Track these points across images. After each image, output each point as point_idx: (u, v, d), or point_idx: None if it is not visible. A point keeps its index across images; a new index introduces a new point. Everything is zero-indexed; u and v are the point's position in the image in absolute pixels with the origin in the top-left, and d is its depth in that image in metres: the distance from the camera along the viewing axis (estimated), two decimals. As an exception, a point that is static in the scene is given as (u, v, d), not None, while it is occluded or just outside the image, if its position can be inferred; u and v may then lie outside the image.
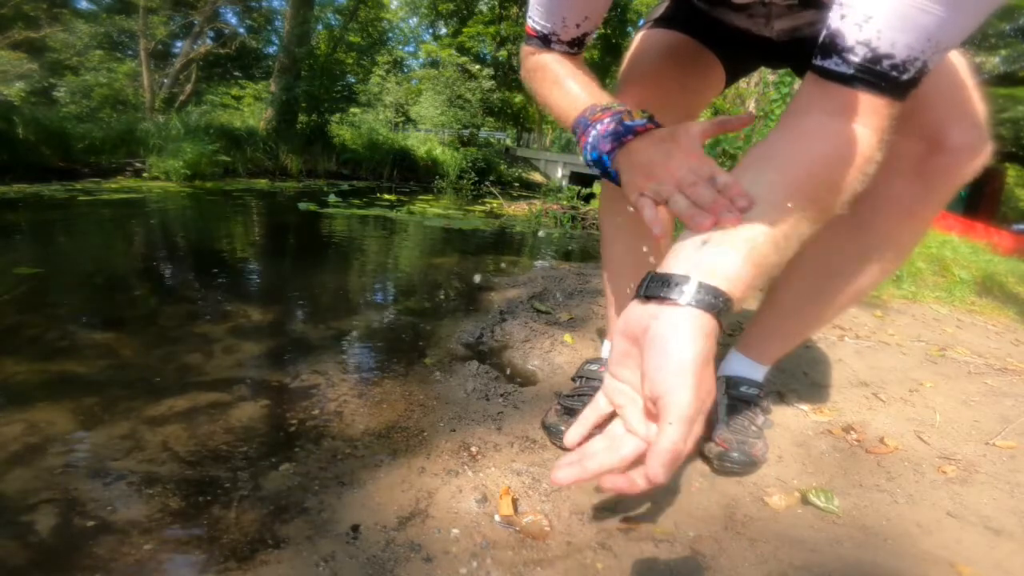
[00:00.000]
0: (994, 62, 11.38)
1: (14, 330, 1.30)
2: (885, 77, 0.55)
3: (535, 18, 0.77)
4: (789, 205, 0.53)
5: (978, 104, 0.75)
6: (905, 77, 0.55)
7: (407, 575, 0.63)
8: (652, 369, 0.44)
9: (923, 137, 0.74)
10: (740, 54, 0.95)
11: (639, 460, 0.44)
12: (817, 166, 0.57)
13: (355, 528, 0.70)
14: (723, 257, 0.49)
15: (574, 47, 0.80)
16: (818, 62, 0.58)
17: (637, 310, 0.48)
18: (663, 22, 0.96)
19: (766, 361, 0.98)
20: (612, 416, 0.51)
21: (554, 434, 0.92)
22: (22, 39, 11.93)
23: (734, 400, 0.94)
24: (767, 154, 0.59)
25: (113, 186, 4.45)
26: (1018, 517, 0.82)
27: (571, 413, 0.93)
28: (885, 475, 0.91)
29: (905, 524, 0.78)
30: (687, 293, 0.46)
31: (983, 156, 0.74)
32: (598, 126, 0.67)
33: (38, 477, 0.76)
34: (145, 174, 5.31)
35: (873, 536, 0.75)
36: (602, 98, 0.72)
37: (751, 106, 3.12)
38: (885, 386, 1.29)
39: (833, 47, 0.57)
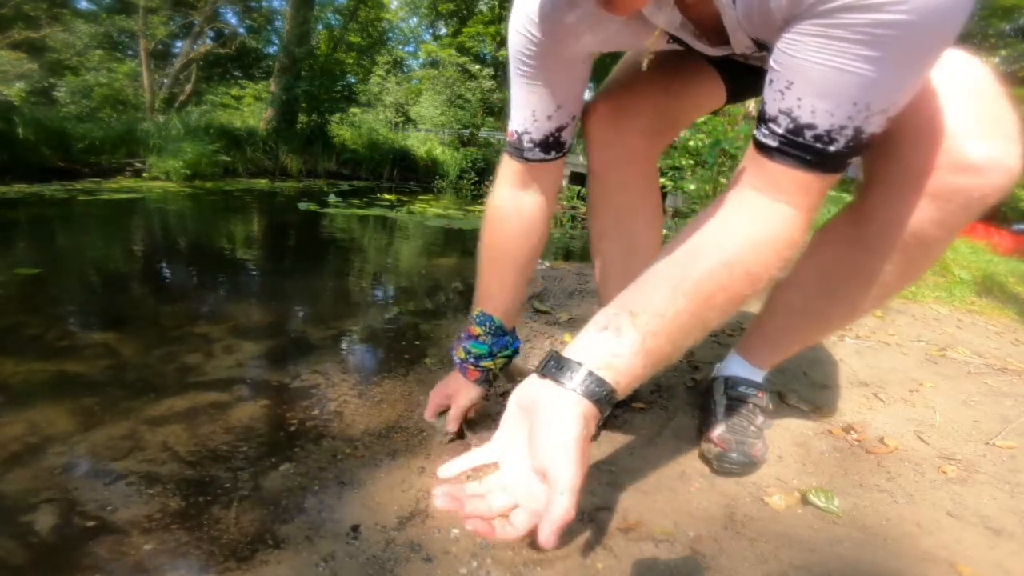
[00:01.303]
0: (994, 62, 11.39)
1: (14, 330, 1.30)
2: (810, 149, 0.52)
3: (511, 120, 0.76)
4: (694, 298, 0.54)
5: (1007, 115, 0.65)
6: (833, 148, 0.51)
7: (407, 575, 0.63)
8: (539, 444, 0.49)
9: (940, 154, 0.64)
10: (739, 74, 0.90)
11: (504, 515, 0.51)
12: (730, 254, 0.55)
13: (355, 528, 0.70)
14: (617, 349, 0.52)
15: (549, 151, 0.77)
16: (754, 131, 0.56)
17: (534, 383, 0.54)
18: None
19: (764, 366, 0.97)
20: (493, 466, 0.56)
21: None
22: (22, 39, 11.93)
23: (732, 400, 0.93)
24: (685, 236, 0.58)
25: (113, 186, 4.45)
26: (1018, 517, 0.82)
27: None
28: (885, 475, 0.91)
29: (905, 524, 0.78)
30: (575, 380, 0.51)
31: (1012, 172, 0.63)
32: (456, 342, 0.91)
33: (38, 477, 0.76)
34: (145, 174, 5.31)
35: (873, 536, 0.75)
36: (480, 305, 0.88)
37: (751, 106, 3.12)
38: (885, 386, 1.29)
39: (762, 115, 0.54)
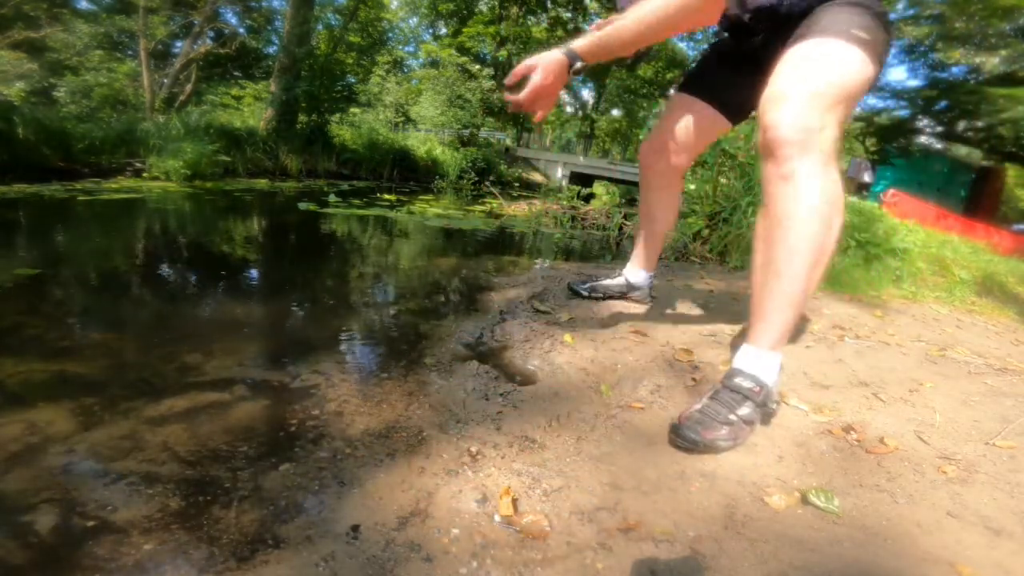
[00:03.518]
0: (994, 62, 11.37)
1: (14, 330, 1.30)
2: None
3: None
4: (639, 24, 1.05)
5: (808, 103, 0.90)
6: None
7: (407, 575, 0.63)
8: (534, 67, 1.11)
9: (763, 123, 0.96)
10: (731, 100, 1.37)
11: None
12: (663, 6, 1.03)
13: (355, 528, 0.70)
14: (585, 39, 1.12)
15: None
16: None
17: (552, 52, 1.12)
18: (685, 87, 1.43)
19: (760, 344, 0.99)
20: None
21: (573, 291, 1.73)
22: (22, 39, 11.92)
23: (723, 388, 0.98)
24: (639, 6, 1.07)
25: (113, 186, 4.44)
26: (1018, 517, 0.82)
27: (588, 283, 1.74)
28: (885, 475, 0.91)
29: (905, 524, 0.78)
30: (563, 49, 1.12)
31: (784, 155, 0.90)
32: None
33: (38, 477, 0.76)
34: (145, 174, 5.30)
35: (873, 536, 0.75)
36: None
37: (751, 106, 3.13)
38: (885, 386, 1.29)
39: None
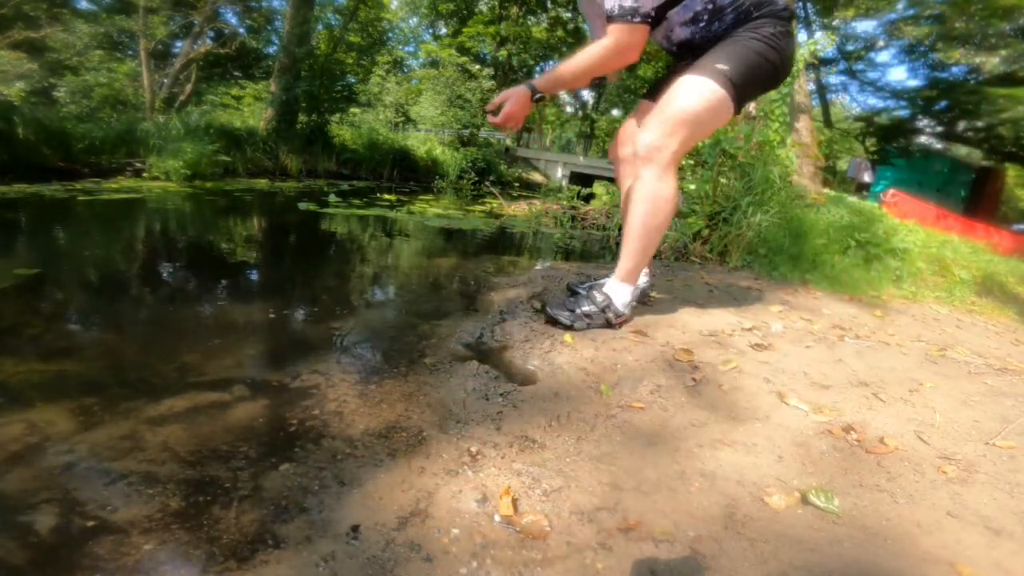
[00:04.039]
0: (994, 62, 11.37)
1: (14, 330, 1.30)
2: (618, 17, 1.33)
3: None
4: (578, 66, 1.39)
5: (656, 128, 1.37)
6: (609, 13, 1.33)
7: (407, 575, 0.63)
8: (507, 98, 1.46)
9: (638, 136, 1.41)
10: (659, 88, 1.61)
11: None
12: (588, 54, 1.38)
13: (355, 528, 0.70)
14: (541, 77, 1.46)
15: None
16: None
17: (519, 87, 1.46)
18: (647, 94, 1.68)
19: (616, 275, 1.47)
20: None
21: (573, 291, 1.75)
22: (22, 39, 11.91)
23: (585, 293, 1.51)
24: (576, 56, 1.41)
25: (113, 186, 4.44)
26: (1018, 517, 0.82)
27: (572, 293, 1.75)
28: (885, 475, 0.91)
29: (905, 524, 0.78)
30: (526, 83, 1.45)
31: (638, 163, 1.40)
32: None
33: (38, 477, 0.76)
34: (145, 174, 5.30)
35: (873, 536, 0.75)
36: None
37: (751, 106, 3.12)
38: (885, 386, 1.29)
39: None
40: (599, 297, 1.45)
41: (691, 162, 3.12)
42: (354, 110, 10.73)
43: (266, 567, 0.63)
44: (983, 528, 0.79)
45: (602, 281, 1.52)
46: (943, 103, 12.15)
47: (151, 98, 10.42)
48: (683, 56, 1.54)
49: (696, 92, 1.36)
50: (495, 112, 1.47)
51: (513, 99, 1.45)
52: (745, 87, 1.39)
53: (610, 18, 1.33)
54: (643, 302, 1.73)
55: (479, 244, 3.26)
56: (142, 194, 4.17)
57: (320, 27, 9.18)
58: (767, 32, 1.39)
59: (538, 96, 1.46)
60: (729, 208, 2.74)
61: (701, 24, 1.42)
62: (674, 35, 1.49)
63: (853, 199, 5.28)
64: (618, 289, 1.46)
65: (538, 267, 2.53)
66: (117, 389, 1.03)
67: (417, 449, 0.89)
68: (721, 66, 1.36)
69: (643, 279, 1.72)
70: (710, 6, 1.41)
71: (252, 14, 14.06)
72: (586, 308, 1.44)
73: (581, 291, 1.74)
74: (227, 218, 3.68)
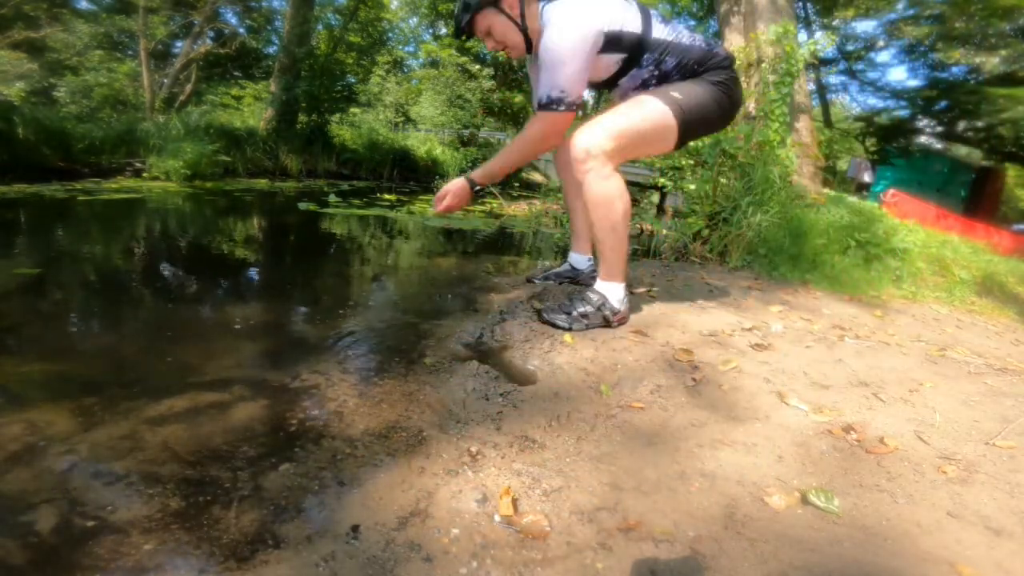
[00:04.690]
0: (994, 62, 11.36)
1: (14, 330, 1.30)
2: (538, 104, 1.45)
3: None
4: (508, 158, 1.57)
5: (595, 130, 1.40)
6: (543, 102, 1.43)
7: (407, 575, 0.63)
8: (448, 192, 1.58)
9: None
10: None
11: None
12: (521, 140, 1.53)
13: (355, 528, 0.70)
14: (479, 169, 1.58)
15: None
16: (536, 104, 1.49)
17: (459, 179, 1.59)
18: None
19: (602, 276, 1.50)
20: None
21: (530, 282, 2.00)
22: (22, 39, 11.90)
23: (579, 296, 1.54)
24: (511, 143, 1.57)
25: (113, 186, 4.44)
26: (1018, 517, 0.82)
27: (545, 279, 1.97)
28: (885, 475, 0.91)
29: (905, 524, 0.78)
30: (465, 176, 1.58)
31: (578, 165, 1.41)
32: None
33: (38, 477, 0.76)
34: (145, 174, 5.30)
35: (873, 536, 0.75)
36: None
37: (751, 106, 3.12)
38: (885, 386, 1.29)
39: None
40: (594, 297, 1.48)
41: (691, 162, 3.12)
42: (354, 110, 10.72)
43: (266, 567, 0.63)
44: (983, 528, 0.79)
45: (594, 285, 1.54)
46: (943, 103, 12.14)
47: (151, 98, 10.41)
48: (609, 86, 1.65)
49: (645, 107, 1.43)
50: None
51: (453, 193, 1.57)
52: (691, 123, 1.47)
53: (539, 105, 1.43)
54: (588, 282, 1.79)
55: (479, 244, 3.26)
56: (142, 194, 4.17)
57: (320, 27, 9.17)
58: (718, 79, 1.50)
59: (477, 188, 1.58)
60: (729, 208, 2.74)
61: (651, 88, 1.52)
62: (628, 97, 1.57)
63: (853, 199, 5.28)
64: (609, 288, 1.49)
65: (538, 267, 2.53)
66: (117, 389, 1.03)
67: (417, 449, 0.89)
68: (676, 95, 1.45)
69: (586, 261, 1.93)
70: (656, 72, 1.51)
71: (252, 14, 14.04)
72: (582, 309, 1.47)
73: (551, 281, 1.93)
74: (227, 218, 3.68)
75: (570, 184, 1.79)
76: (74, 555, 0.63)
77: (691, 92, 1.47)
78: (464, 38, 1.54)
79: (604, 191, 1.40)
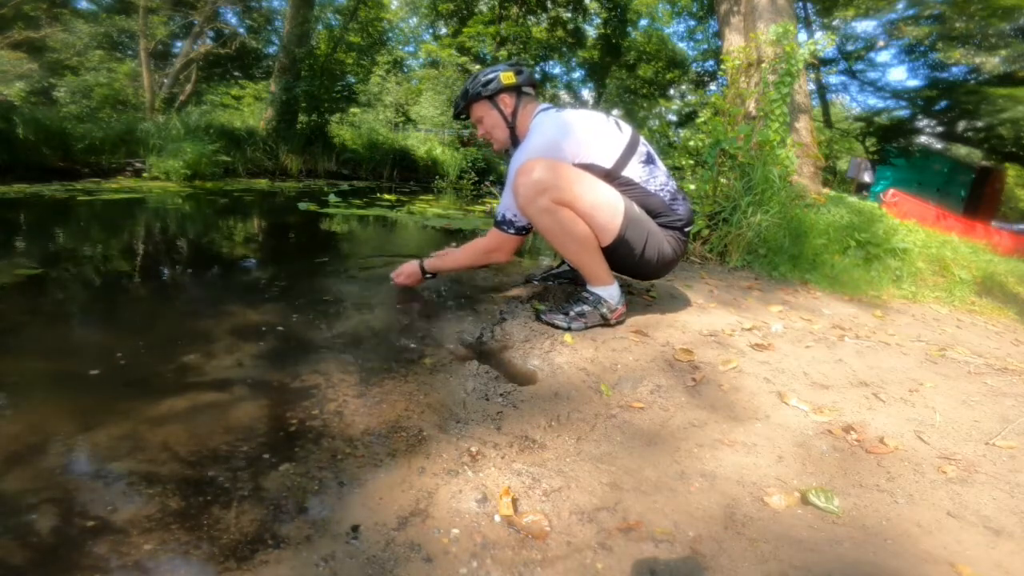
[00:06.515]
0: (994, 62, 11.35)
1: (14, 330, 1.30)
2: (495, 222, 1.54)
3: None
4: (458, 260, 1.69)
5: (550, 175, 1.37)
6: (497, 220, 1.53)
7: (407, 575, 0.63)
8: (401, 273, 1.78)
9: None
10: None
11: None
12: (476, 246, 1.63)
13: (355, 528, 0.70)
14: (434, 257, 1.73)
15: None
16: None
17: (412, 262, 1.76)
18: None
19: (590, 284, 1.52)
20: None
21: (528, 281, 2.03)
22: (22, 39, 11.90)
23: (577, 298, 1.54)
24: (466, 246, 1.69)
25: (113, 186, 4.44)
26: (1018, 517, 0.82)
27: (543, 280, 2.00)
28: (885, 475, 0.91)
29: (905, 524, 0.78)
30: (419, 261, 1.73)
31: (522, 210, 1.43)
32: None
33: (38, 477, 0.76)
34: (145, 174, 5.30)
35: (873, 536, 0.75)
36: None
37: (751, 106, 3.12)
38: (885, 386, 1.29)
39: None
40: (590, 296, 1.51)
41: (691, 162, 3.12)
42: (354, 110, 10.72)
43: (266, 567, 0.63)
44: (983, 528, 0.79)
45: (587, 288, 1.54)
46: (943, 103, 12.14)
47: (151, 98, 10.40)
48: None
49: (597, 182, 1.41)
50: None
51: (405, 275, 1.75)
52: (634, 226, 1.42)
53: (495, 222, 1.54)
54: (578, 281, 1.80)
55: (479, 244, 3.25)
56: (142, 194, 4.17)
57: (320, 27, 9.17)
58: (667, 229, 1.50)
59: (428, 275, 1.73)
60: (729, 208, 2.74)
61: None
62: None
63: (853, 199, 5.27)
64: (602, 289, 1.50)
65: (538, 267, 2.52)
66: (117, 389, 1.03)
67: (417, 449, 0.89)
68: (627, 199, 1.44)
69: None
70: None
71: (252, 14, 14.04)
72: (579, 308, 1.50)
73: (551, 281, 1.96)
74: (227, 218, 3.68)
75: None
76: (74, 555, 0.63)
77: (642, 214, 1.46)
78: (464, 117, 1.64)
79: (557, 218, 1.38)
